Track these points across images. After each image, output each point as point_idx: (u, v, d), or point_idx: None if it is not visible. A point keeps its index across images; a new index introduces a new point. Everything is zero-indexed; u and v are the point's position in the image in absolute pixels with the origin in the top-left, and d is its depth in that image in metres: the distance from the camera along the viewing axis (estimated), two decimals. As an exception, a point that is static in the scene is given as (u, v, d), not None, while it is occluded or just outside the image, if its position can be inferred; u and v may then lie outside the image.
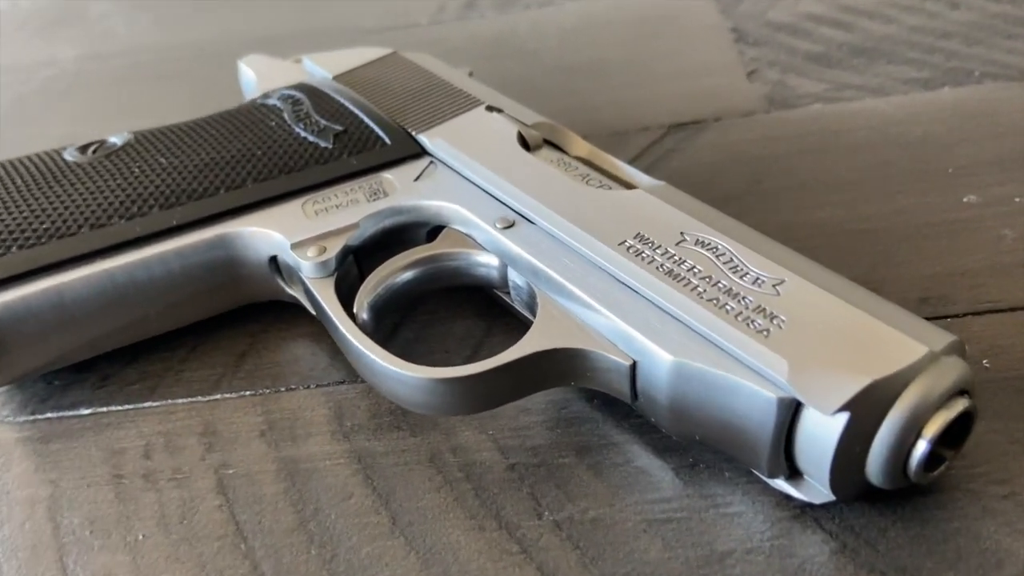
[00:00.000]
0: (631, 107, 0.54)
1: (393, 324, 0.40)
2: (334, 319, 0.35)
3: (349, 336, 0.34)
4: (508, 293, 0.37)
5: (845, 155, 0.47)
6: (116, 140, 0.42)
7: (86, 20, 0.75)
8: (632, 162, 0.48)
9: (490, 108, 0.42)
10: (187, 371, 0.39)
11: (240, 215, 0.38)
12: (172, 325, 0.40)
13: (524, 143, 0.40)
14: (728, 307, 0.30)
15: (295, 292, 0.39)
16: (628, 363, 0.31)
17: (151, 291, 0.38)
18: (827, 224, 0.42)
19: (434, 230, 0.39)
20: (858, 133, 0.48)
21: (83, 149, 0.41)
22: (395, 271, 0.37)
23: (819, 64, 0.55)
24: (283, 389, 0.38)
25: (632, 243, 0.33)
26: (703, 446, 0.32)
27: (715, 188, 0.46)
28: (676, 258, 0.32)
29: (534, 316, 0.34)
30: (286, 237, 0.37)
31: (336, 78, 0.46)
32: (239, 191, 0.39)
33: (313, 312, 0.38)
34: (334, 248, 0.37)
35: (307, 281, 0.37)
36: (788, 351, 0.28)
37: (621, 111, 0.53)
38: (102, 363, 0.40)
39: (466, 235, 0.37)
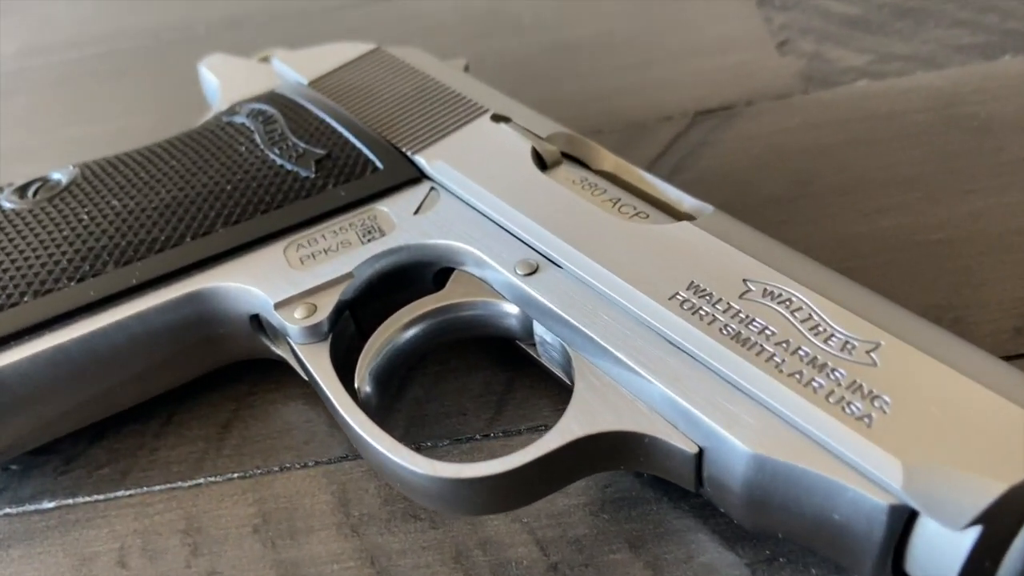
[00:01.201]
0: (648, 92, 0.47)
1: (400, 380, 0.35)
2: (331, 397, 0.29)
3: (350, 420, 0.28)
4: (533, 345, 0.32)
5: (902, 145, 0.41)
6: (60, 177, 0.36)
7: (23, 7, 0.67)
8: (657, 161, 0.43)
9: (496, 117, 0.36)
10: (163, 448, 0.34)
11: (211, 267, 0.33)
12: (142, 397, 0.34)
13: (540, 161, 0.34)
14: (816, 384, 0.24)
15: (283, 352, 0.34)
16: (693, 451, 0.26)
17: (113, 363, 0.32)
18: (892, 235, 0.36)
19: (442, 270, 0.33)
20: (914, 116, 0.42)
21: (22, 192, 0.35)
22: (399, 329, 0.31)
23: (859, 30, 0.48)
24: (276, 469, 0.33)
25: (686, 296, 0.27)
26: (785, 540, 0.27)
27: (755, 191, 0.40)
28: (742, 316, 0.26)
29: (569, 379, 0.29)
30: (268, 295, 0.31)
31: (312, 84, 0.40)
32: (208, 238, 0.33)
33: (305, 377, 0.32)
34: (326, 306, 0.31)
35: (296, 348, 0.31)
36: (898, 446, 0.23)
37: (637, 97, 0.47)
38: (65, 441, 0.34)
39: (480, 279, 0.32)
